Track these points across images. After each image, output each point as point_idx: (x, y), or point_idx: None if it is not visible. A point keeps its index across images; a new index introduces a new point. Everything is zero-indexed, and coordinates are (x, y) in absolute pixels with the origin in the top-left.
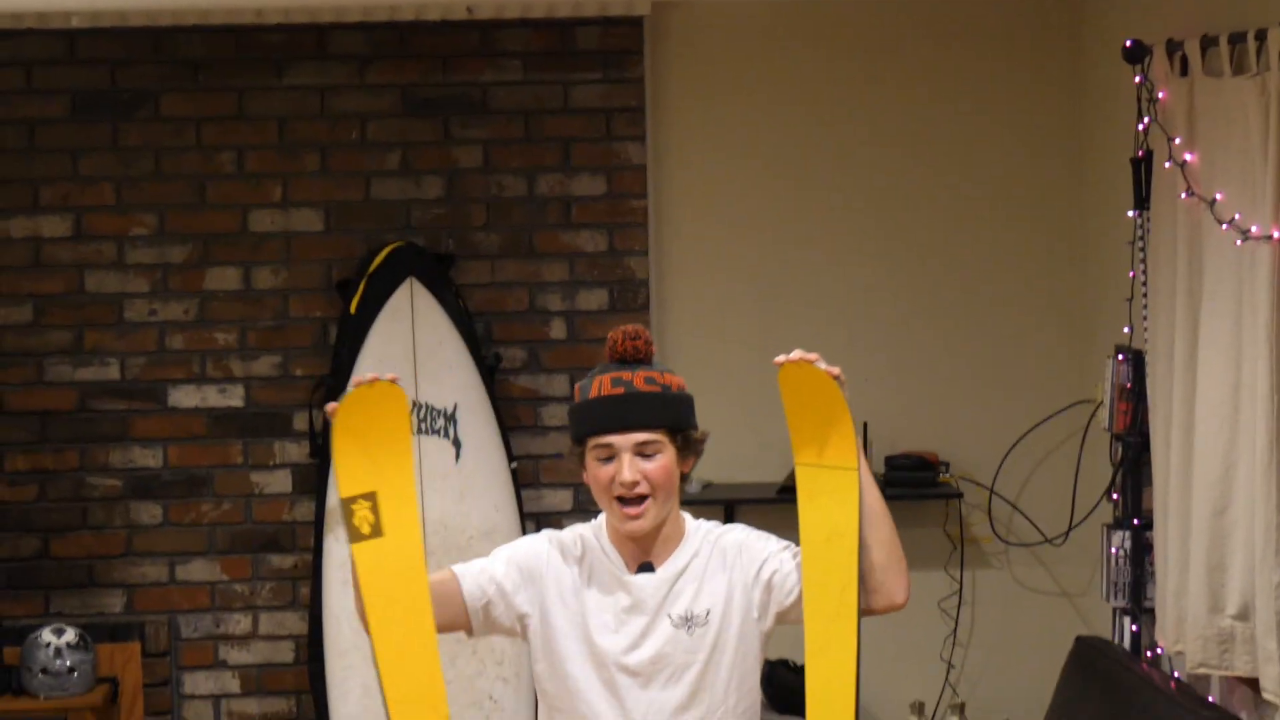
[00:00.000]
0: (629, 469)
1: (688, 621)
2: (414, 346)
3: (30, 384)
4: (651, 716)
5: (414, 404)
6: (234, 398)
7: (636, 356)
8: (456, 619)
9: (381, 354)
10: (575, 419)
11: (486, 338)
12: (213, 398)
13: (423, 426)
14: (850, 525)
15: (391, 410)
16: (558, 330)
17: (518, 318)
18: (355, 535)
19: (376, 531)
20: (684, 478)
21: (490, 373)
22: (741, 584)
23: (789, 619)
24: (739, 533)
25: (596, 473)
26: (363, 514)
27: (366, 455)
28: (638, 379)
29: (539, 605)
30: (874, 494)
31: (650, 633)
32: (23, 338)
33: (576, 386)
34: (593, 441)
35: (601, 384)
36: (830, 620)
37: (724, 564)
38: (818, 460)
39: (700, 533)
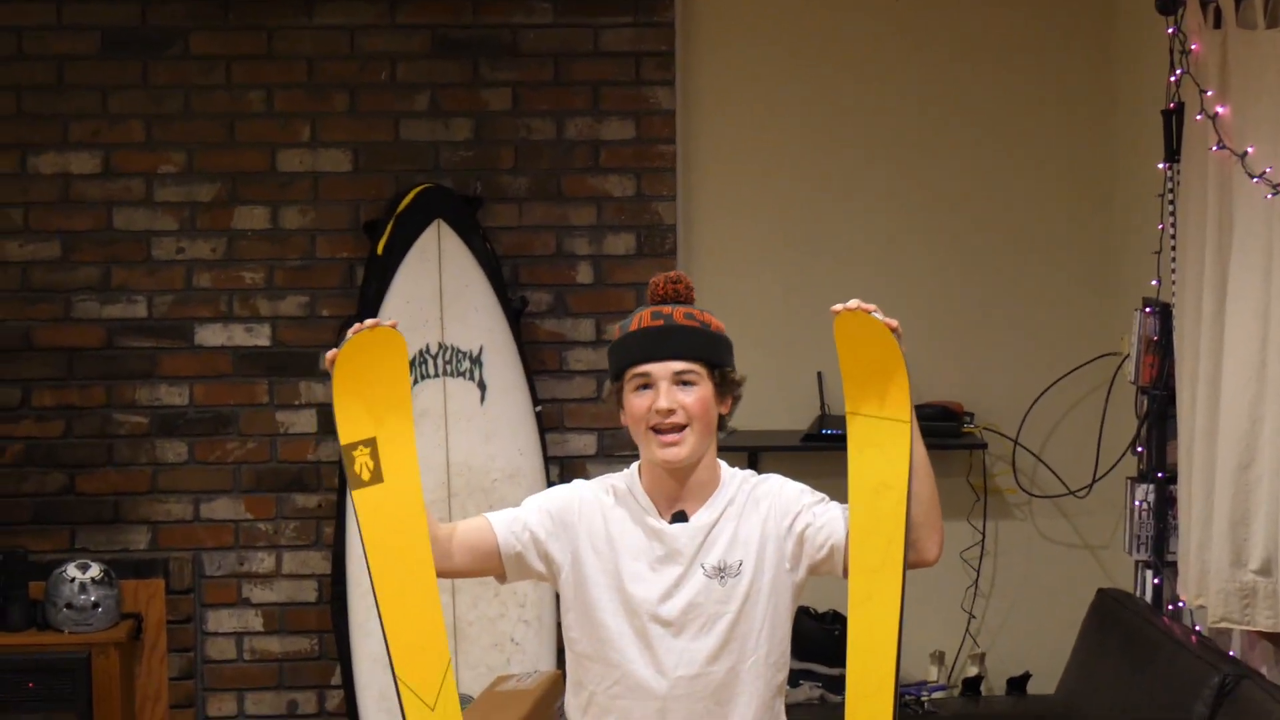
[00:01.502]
0: (665, 397)
1: (721, 572)
2: (440, 288)
3: (58, 320)
4: (683, 666)
5: (440, 346)
6: (260, 337)
7: (677, 299)
8: (490, 566)
9: (408, 295)
10: (614, 354)
11: (513, 281)
12: (239, 337)
13: (448, 368)
14: (900, 478)
15: (391, 356)
16: (584, 274)
17: (544, 261)
18: (355, 482)
19: (376, 477)
20: (722, 424)
21: (516, 316)
22: (775, 535)
23: (821, 571)
24: (774, 482)
25: (633, 404)
26: (363, 460)
27: (366, 401)
28: (677, 314)
29: (571, 553)
30: (921, 450)
31: (683, 583)
32: (51, 274)
33: (617, 326)
34: (631, 372)
35: (641, 318)
36: (875, 572)
37: (758, 514)
38: (870, 411)
39: (735, 482)
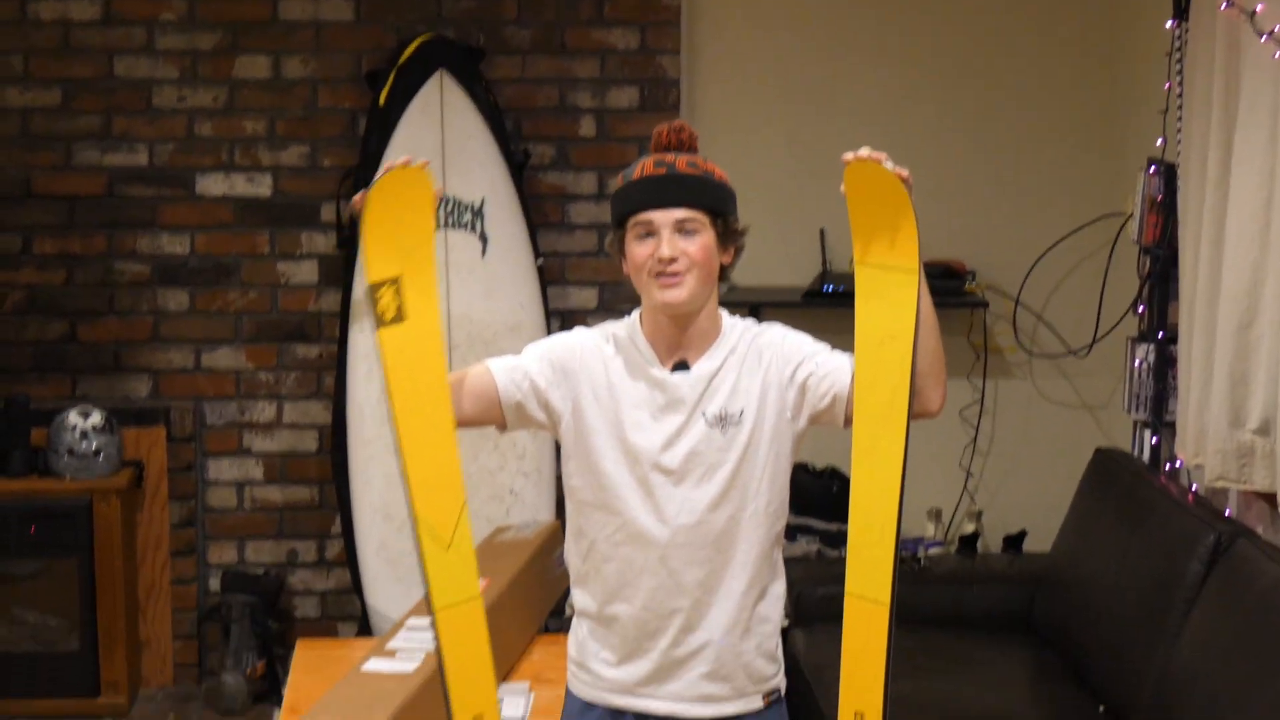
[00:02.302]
0: (668, 244)
1: (722, 420)
2: (443, 140)
3: (59, 168)
4: (684, 514)
5: (441, 198)
6: (262, 187)
7: (680, 148)
8: (490, 414)
9: (410, 146)
10: (616, 201)
11: (515, 133)
12: (240, 186)
13: (450, 220)
14: (906, 328)
15: (419, 196)
16: (587, 128)
17: (547, 114)
18: (380, 320)
19: (400, 316)
20: (724, 274)
21: (519, 168)
22: (776, 383)
23: (822, 421)
24: (776, 331)
25: (635, 252)
26: (388, 299)
27: (393, 240)
28: (680, 162)
29: (572, 402)
30: (928, 301)
31: (685, 431)
32: (51, 121)
33: (619, 174)
34: (633, 219)
35: (644, 166)
36: (879, 422)
37: (760, 363)
38: (878, 261)
39: (737, 331)
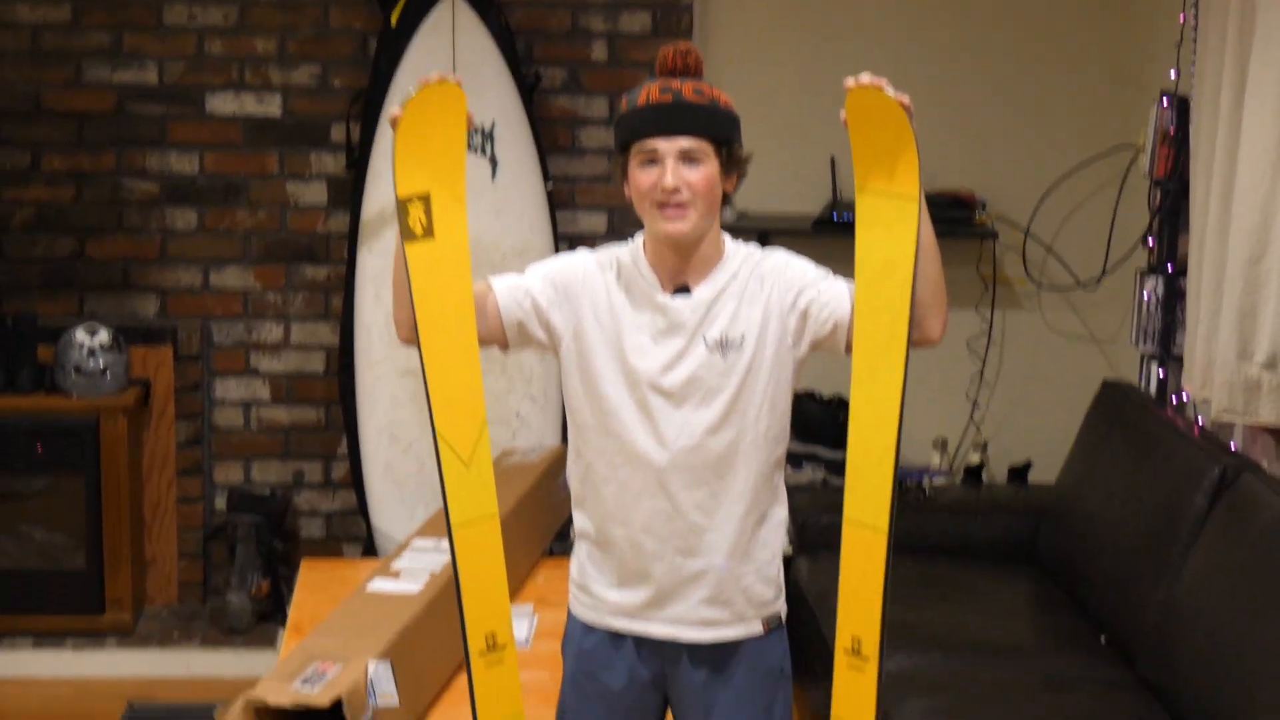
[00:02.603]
0: (672, 174)
1: (722, 345)
2: (454, 62)
3: (69, 85)
4: (683, 438)
5: (475, 124)
6: (272, 106)
7: (686, 71)
8: (492, 333)
9: (421, 68)
10: (620, 126)
11: (527, 56)
12: (250, 105)
13: None
14: (906, 256)
15: (451, 112)
16: (599, 52)
17: (559, 38)
18: (408, 234)
19: (429, 232)
20: (726, 199)
21: (529, 92)
22: (778, 309)
23: (823, 347)
24: (779, 257)
25: (638, 179)
26: (416, 214)
27: (423, 155)
28: (686, 89)
29: (574, 323)
30: (928, 229)
31: (685, 355)
32: (61, 38)
33: (623, 97)
34: (637, 147)
35: (650, 92)
36: (879, 350)
37: (762, 288)
38: (879, 188)
39: (740, 256)
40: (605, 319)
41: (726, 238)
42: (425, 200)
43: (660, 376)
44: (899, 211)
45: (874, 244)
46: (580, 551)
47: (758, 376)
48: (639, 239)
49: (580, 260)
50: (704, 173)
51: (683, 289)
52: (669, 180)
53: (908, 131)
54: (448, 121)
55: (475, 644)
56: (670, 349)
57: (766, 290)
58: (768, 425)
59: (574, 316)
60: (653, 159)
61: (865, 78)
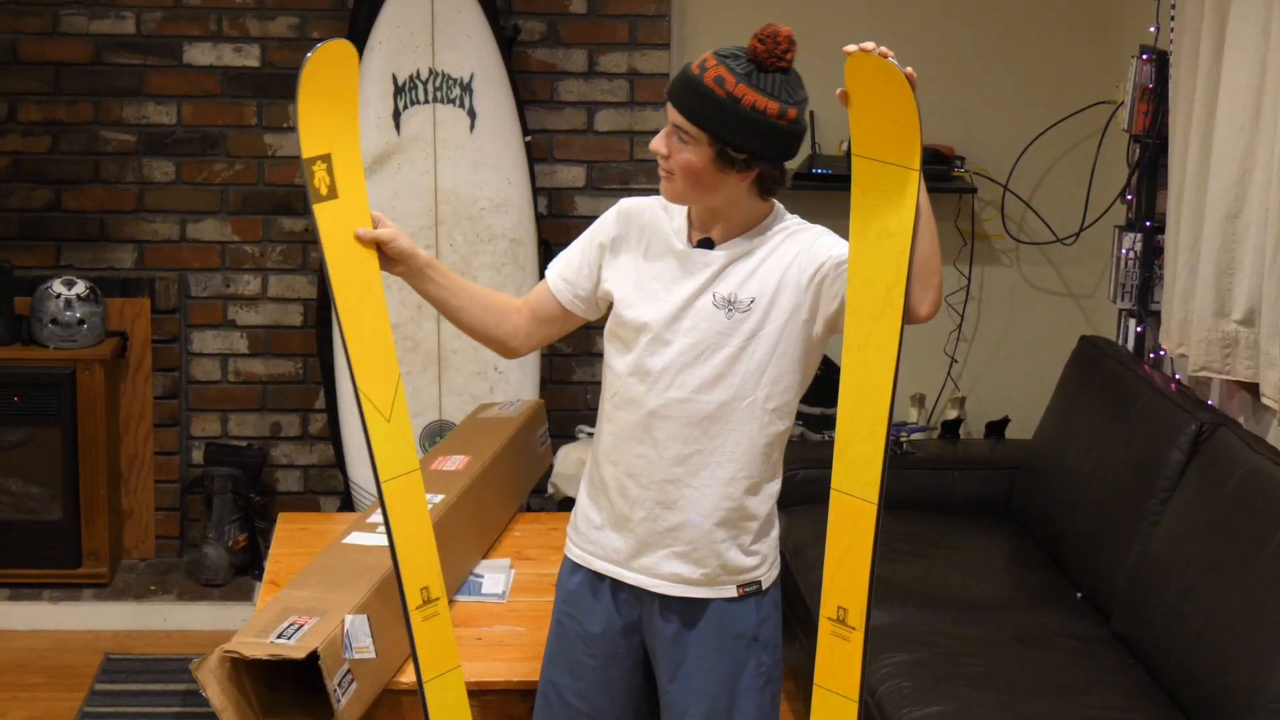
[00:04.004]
0: (662, 139)
1: (729, 304)
2: (432, 13)
3: (45, 34)
4: (674, 389)
5: (430, 72)
6: (249, 58)
7: (763, 63)
8: (569, 320)
9: (399, 20)
10: None
11: (505, 8)
12: (228, 56)
13: (438, 95)
14: (904, 226)
15: (347, 75)
16: (578, 4)
17: None
18: (315, 196)
19: (332, 193)
20: (769, 188)
21: (508, 44)
22: (795, 282)
23: (839, 328)
24: (813, 233)
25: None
26: (320, 175)
27: (323, 117)
28: (711, 74)
29: (612, 275)
30: (926, 202)
31: (690, 307)
32: None
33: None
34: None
35: (703, 61)
36: (872, 318)
37: (784, 259)
38: (878, 154)
39: (777, 225)
40: (630, 262)
41: (777, 209)
42: (327, 161)
43: (663, 325)
44: (898, 180)
45: (870, 209)
46: (581, 489)
47: (760, 342)
48: None
49: (614, 211)
50: (687, 156)
51: (706, 241)
52: (655, 142)
53: (911, 103)
54: (344, 81)
55: (412, 598)
56: (678, 298)
57: (788, 261)
58: (767, 395)
59: (613, 268)
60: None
61: (869, 45)
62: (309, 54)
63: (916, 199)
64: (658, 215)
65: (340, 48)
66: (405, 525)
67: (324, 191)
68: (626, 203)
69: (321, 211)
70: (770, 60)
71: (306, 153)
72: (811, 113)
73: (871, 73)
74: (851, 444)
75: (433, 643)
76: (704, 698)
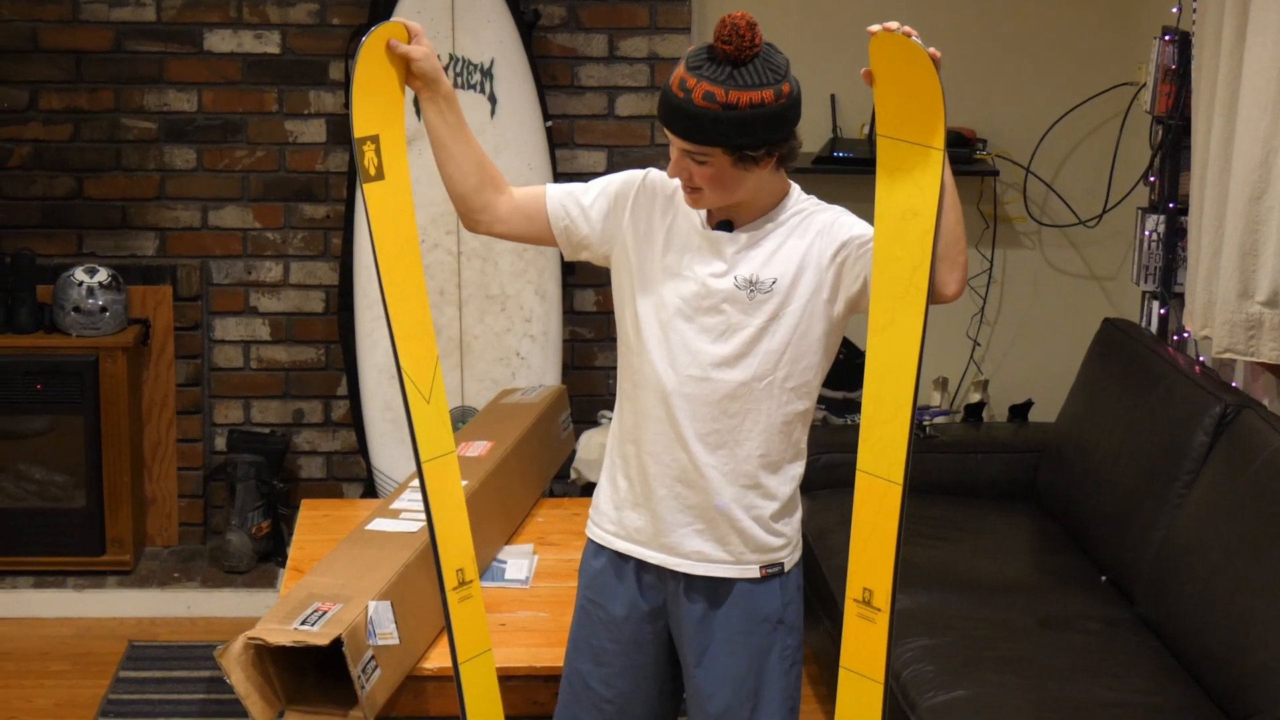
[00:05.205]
0: (677, 166)
1: (751, 284)
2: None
3: (66, 22)
4: (694, 367)
5: (450, 57)
6: (270, 44)
7: (729, 58)
8: (543, 234)
9: (419, 5)
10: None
11: None
12: (249, 43)
13: (459, 80)
14: (928, 206)
15: (395, 55)
16: None
17: None
18: (365, 175)
19: (380, 173)
20: (784, 164)
21: (529, 29)
22: (816, 262)
23: (860, 308)
24: (832, 214)
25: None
26: (370, 155)
27: (376, 97)
28: (698, 91)
29: (621, 236)
30: (951, 181)
31: (713, 287)
32: None
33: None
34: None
35: (676, 78)
36: (897, 299)
37: (805, 239)
38: (903, 135)
39: (795, 205)
40: (647, 238)
41: (794, 189)
42: (376, 142)
43: (685, 304)
44: (922, 160)
45: (895, 190)
46: (604, 470)
47: (781, 323)
48: None
49: (643, 175)
50: (708, 172)
51: (725, 224)
52: (673, 171)
53: (936, 83)
54: (395, 64)
55: (450, 579)
56: (699, 278)
57: (809, 241)
58: (786, 374)
59: (622, 229)
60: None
61: (893, 25)
62: (364, 37)
63: (941, 179)
64: (677, 197)
65: (394, 29)
66: (443, 506)
67: (372, 171)
68: (654, 175)
69: (371, 191)
70: (743, 54)
71: (359, 132)
72: (832, 95)
73: (896, 52)
74: (876, 425)
75: (467, 625)
76: (731, 681)
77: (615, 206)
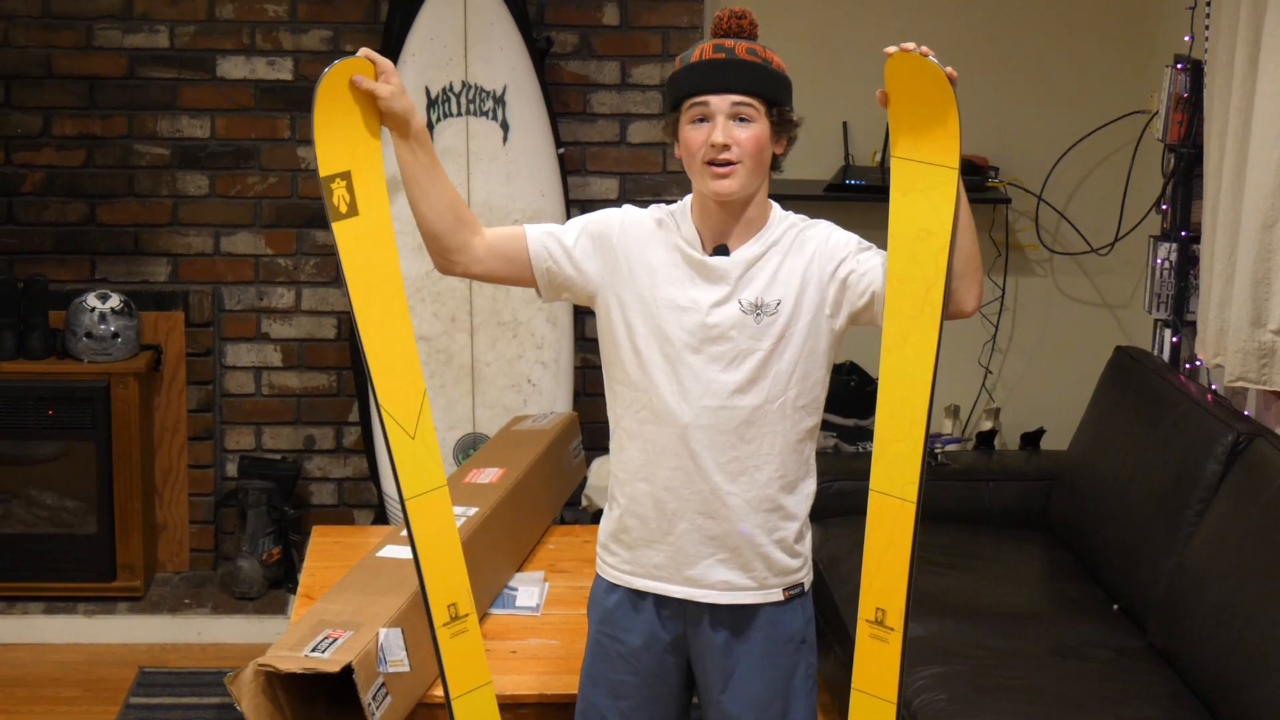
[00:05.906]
0: (722, 130)
1: (757, 309)
2: (465, 26)
3: (80, 48)
4: (708, 396)
5: (463, 84)
6: (283, 71)
7: (740, 33)
8: (522, 275)
9: (432, 32)
10: (672, 84)
11: (538, 20)
12: (261, 70)
13: (471, 108)
14: (943, 225)
15: (363, 91)
16: (610, 16)
17: (570, 1)
18: (334, 214)
19: (353, 210)
20: (776, 164)
21: (541, 56)
22: (817, 279)
23: (861, 320)
24: (823, 228)
25: (689, 137)
26: (339, 193)
27: (342, 134)
28: (739, 48)
29: (608, 275)
30: (964, 200)
31: (718, 315)
32: (72, 2)
33: (677, 58)
34: (689, 102)
35: (703, 50)
36: (911, 318)
37: (802, 256)
38: (917, 155)
39: (784, 223)
40: (640, 273)
41: (774, 205)
42: (347, 178)
43: (690, 335)
44: (937, 179)
45: (910, 210)
46: (610, 509)
47: (789, 343)
48: (686, 200)
49: (621, 214)
50: (754, 131)
51: (721, 249)
52: (719, 136)
53: (951, 102)
54: (361, 100)
55: (439, 615)
56: (703, 308)
57: (807, 258)
58: (797, 394)
59: (609, 268)
60: (704, 116)
61: (910, 45)
62: (324, 70)
63: (956, 197)
64: (664, 228)
65: (357, 64)
66: (431, 542)
67: (343, 209)
68: (632, 212)
69: (342, 230)
70: (753, 29)
71: (324, 170)
72: (844, 123)
73: (912, 72)
74: (890, 444)
75: (461, 660)
76: (758, 706)
77: (598, 247)
